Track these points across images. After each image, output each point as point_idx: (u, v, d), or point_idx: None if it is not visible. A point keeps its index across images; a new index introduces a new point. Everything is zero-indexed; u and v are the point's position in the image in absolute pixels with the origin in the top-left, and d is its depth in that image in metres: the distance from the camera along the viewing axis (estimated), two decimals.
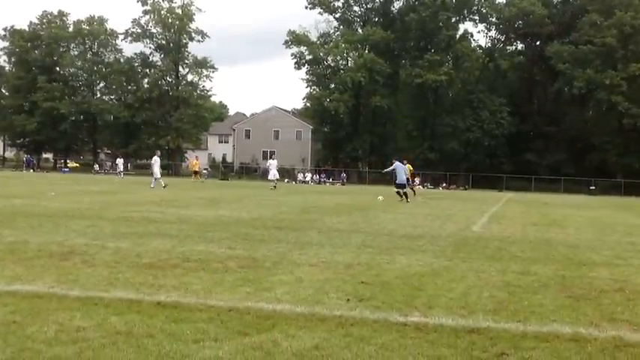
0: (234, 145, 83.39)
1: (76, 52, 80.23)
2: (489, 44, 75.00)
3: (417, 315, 5.56)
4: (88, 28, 79.13)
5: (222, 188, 35.33)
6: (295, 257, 8.75)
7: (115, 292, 6.06)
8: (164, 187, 29.41)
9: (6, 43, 79.29)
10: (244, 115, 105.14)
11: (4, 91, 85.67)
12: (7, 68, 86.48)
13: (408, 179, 29.87)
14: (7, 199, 18.60)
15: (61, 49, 78.75)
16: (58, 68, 79.06)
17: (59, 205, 17.04)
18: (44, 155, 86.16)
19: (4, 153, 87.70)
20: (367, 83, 68.00)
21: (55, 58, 77.87)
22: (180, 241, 9.98)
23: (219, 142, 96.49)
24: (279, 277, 7.16)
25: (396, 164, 26.24)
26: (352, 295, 6.27)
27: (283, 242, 10.36)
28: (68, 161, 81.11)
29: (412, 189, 31.58)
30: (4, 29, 79.11)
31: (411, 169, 32.45)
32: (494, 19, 71.24)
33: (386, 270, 7.94)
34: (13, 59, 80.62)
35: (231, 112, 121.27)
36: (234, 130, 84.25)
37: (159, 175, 31.24)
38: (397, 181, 25.96)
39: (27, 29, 79.25)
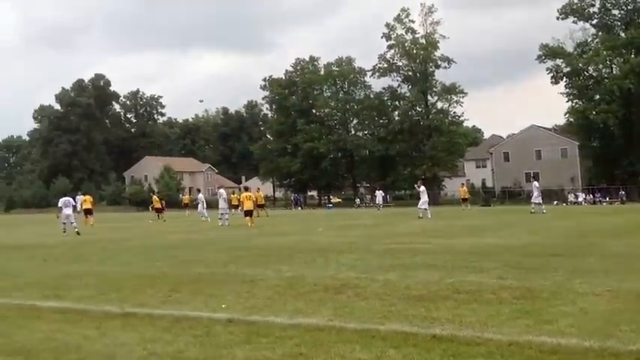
0: (492, 169, 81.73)
1: (328, 93, 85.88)
2: None
3: None
4: (337, 69, 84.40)
5: (484, 215, 34.67)
6: (576, 286, 8.18)
7: (389, 325, 6.20)
8: (420, 217, 29.68)
9: (266, 93, 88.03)
10: (501, 137, 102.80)
11: (269, 136, 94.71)
12: (269, 115, 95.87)
13: None
14: (282, 236, 20.25)
15: (315, 92, 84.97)
16: (314, 110, 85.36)
17: (328, 239, 18.07)
18: (309, 193, 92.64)
19: (274, 193, 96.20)
20: (638, 89, 62.34)
21: (311, 101, 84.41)
22: (448, 272, 9.93)
23: (477, 167, 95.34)
24: (560, 309, 6.74)
25: None
26: None
27: (560, 270, 9.76)
28: (331, 197, 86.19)
29: None
30: (264, 80, 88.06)
31: None
32: None
33: None
34: (274, 106, 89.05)
35: (487, 136, 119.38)
36: (491, 153, 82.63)
37: (426, 205, 31.26)
38: None
39: (283, 77, 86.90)
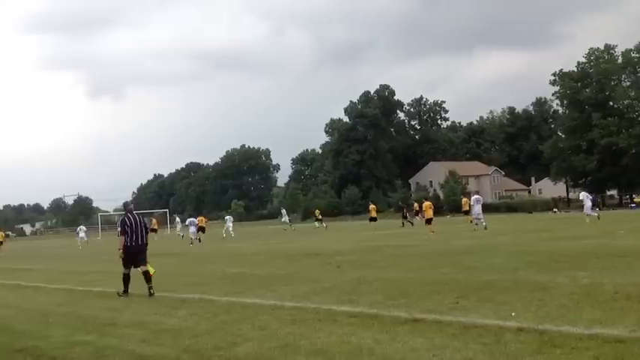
0: None
1: (628, 83, 79.40)
2: None
3: None
4: (638, 55, 77.38)
5: None
6: None
7: None
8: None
9: (556, 88, 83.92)
10: None
11: (560, 134, 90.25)
12: (560, 111, 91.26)
13: None
14: (577, 240, 19.15)
15: (613, 83, 79.11)
16: (611, 102, 79.46)
17: (631, 243, 16.70)
18: (608, 192, 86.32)
19: (567, 194, 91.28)
20: None
21: (607, 93, 78.64)
22: None
23: None
24: None
25: None
26: None
27: None
28: (634, 196, 79.25)
29: None
30: (554, 74, 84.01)
31: None
32: None
33: None
34: (565, 102, 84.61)
35: None
36: None
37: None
38: None
39: (575, 70, 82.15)
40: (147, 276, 11.81)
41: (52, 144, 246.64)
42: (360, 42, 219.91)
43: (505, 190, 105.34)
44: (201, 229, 39.20)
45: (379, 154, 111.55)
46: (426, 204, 30.22)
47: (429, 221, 28.89)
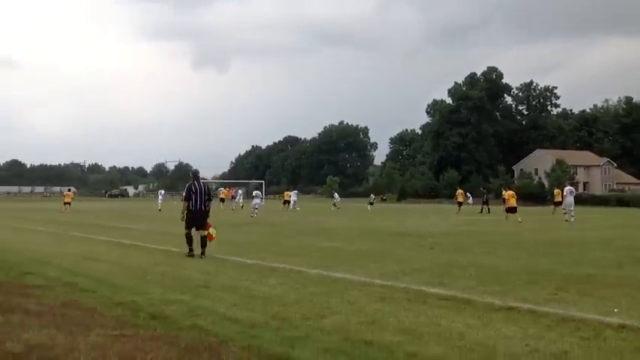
0: None
1: None
2: None
3: None
4: None
5: None
6: None
7: None
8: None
9: None
10: None
11: None
12: None
13: None
14: None
15: None
16: None
17: None
18: None
19: None
20: None
21: None
22: None
23: None
24: None
25: None
26: None
27: None
28: None
29: None
30: None
31: None
32: None
33: None
34: None
35: None
36: None
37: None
38: None
39: None
40: (203, 241, 13.18)
41: (157, 111, 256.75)
42: (471, 21, 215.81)
43: (617, 183, 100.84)
44: (286, 202, 45.56)
45: (482, 138, 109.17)
46: (509, 192, 30.28)
47: (510, 210, 28.80)
